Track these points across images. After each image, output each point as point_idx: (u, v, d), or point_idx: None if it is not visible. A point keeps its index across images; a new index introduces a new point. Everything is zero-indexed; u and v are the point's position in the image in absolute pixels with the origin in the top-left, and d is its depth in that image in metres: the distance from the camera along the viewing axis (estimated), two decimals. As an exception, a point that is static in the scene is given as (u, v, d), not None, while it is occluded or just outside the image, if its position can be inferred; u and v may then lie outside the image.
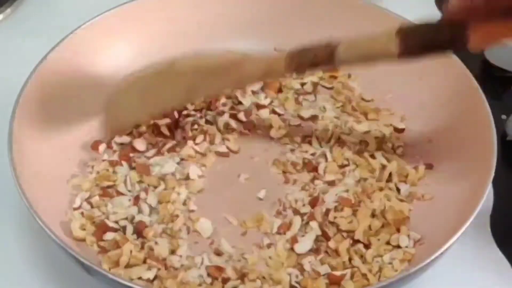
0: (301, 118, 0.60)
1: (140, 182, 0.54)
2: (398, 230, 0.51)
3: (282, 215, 0.53)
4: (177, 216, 0.52)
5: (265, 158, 0.57)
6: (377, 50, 0.49)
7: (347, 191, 0.54)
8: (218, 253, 0.50)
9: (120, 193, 0.53)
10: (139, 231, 0.51)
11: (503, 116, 0.62)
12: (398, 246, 0.50)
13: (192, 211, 0.53)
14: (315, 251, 0.50)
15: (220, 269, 0.49)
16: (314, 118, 0.60)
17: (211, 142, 0.58)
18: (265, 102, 0.61)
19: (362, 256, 0.50)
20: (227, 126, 0.59)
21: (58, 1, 0.75)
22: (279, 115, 0.60)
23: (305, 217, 0.52)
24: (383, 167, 0.55)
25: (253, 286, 0.48)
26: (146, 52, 0.62)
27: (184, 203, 0.53)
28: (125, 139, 0.57)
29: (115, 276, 0.44)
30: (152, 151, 0.56)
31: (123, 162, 0.55)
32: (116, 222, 0.51)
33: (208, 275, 0.49)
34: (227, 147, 0.58)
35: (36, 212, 0.46)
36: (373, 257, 0.50)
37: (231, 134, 0.59)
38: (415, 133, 0.58)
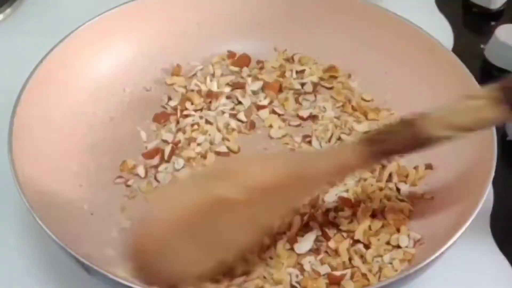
0: (301, 118, 0.60)
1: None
2: (398, 230, 0.51)
3: (282, 215, 0.53)
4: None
5: (265, 158, 0.57)
6: (477, 117, 0.40)
7: (347, 191, 0.54)
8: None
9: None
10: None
11: (503, 116, 0.62)
12: (398, 246, 0.50)
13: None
14: (315, 251, 0.50)
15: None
16: (314, 118, 0.60)
17: (211, 142, 0.58)
18: (265, 102, 0.61)
19: (362, 256, 0.50)
20: (227, 126, 0.59)
21: (58, 1, 0.75)
22: (279, 115, 0.60)
23: (305, 217, 0.52)
24: (383, 167, 0.55)
25: (254, 285, 0.48)
26: (146, 52, 0.62)
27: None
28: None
29: (115, 276, 0.44)
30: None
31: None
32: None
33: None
34: (227, 147, 0.58)
35: (36, 212, 0.46)
36: (373, 257, 0.50)
37: (231, 134, 0.59)
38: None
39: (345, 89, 0.62)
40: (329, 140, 0.58)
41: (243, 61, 0.64)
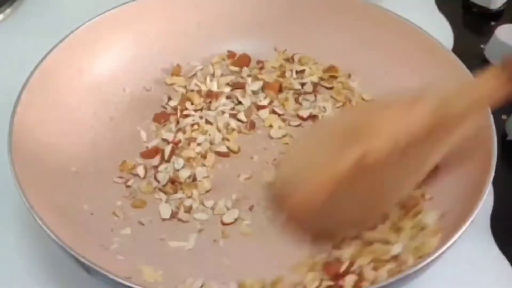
0: (301, 118, 0.60)
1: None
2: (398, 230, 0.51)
3: (282, 215, 0.53)
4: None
5: (265, 158, 0.57)
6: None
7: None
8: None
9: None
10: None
11: (503, 116, 0.62)
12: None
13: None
14: (315, 251, 0.50)
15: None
16: (314, 118, 0.60)
17: (211, 142, 0.58)
18: (265, 102, 0.61)
19: (362, 256, 0.50)
20: (227, 126, 0.59)
21: (58, 1, 0.75)
22: (279, 115, 0.60)
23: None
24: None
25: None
26: (146, 52, 0.62)
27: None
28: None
29: (115, 276, 0.44)
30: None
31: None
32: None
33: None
34: (227, 147, 0.58)
35: (36, 212, 0.46)
36: (373, 258, 0.50)
37: (231, 134, 0.59)
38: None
39: (345, 89, 0.62)
40: (329, 140, 0.58)
41: (243, 61, 0.64)
